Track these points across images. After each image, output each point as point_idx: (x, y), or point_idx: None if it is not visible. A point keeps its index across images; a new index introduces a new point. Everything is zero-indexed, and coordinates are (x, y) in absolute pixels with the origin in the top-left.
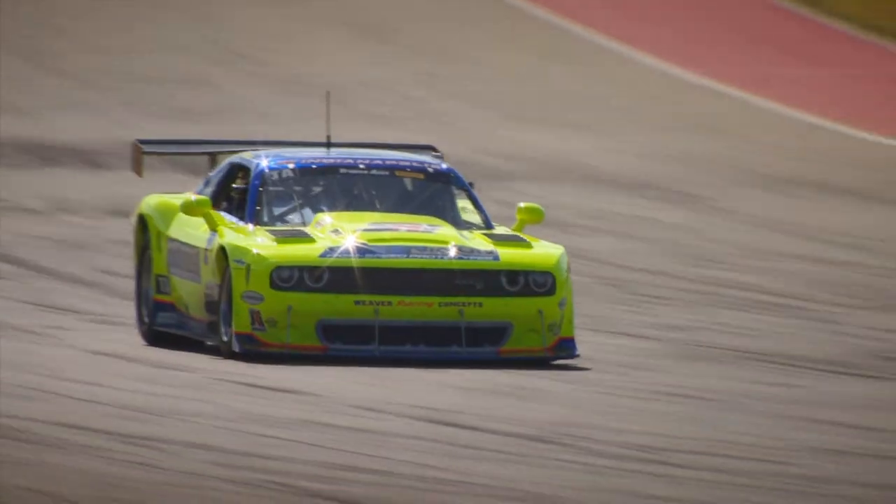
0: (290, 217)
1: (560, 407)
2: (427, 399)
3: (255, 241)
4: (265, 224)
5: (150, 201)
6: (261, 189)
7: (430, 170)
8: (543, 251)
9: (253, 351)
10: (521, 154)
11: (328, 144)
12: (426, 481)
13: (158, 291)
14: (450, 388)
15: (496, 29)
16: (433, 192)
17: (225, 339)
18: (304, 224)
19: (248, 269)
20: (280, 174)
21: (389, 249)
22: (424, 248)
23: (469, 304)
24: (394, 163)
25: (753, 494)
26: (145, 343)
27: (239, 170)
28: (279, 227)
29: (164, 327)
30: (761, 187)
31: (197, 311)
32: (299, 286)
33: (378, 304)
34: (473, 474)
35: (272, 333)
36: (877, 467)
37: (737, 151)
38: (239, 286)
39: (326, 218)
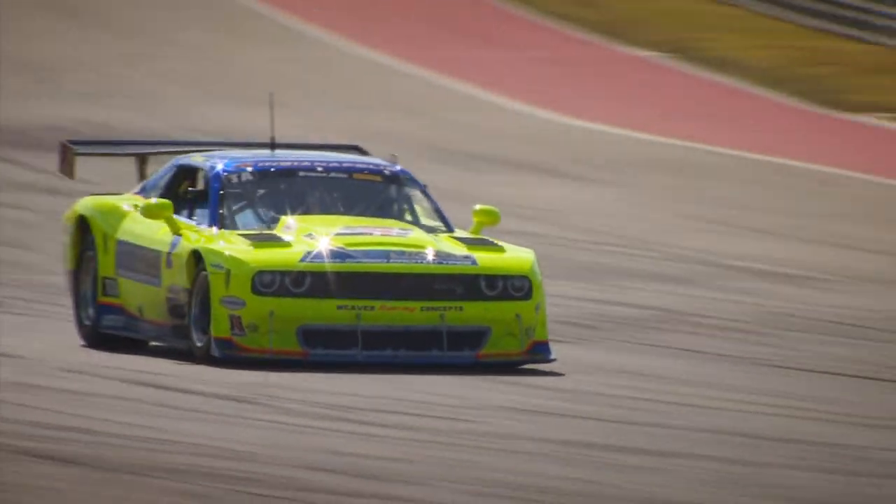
0: (251, 221)
1: (258, 367)
2: (135, 364)
3: (232, 245)
4: (228, 228)
5: (91, 203)
6: (221, 192)
7: (387, 172)
8: (518, 255)
9: (232, 356)
10: (218, 131)
11: (272, 146)
12: (134, 440)
13: (104, 294)
14: (159, 353)
15: (196, 12)
16: (390, 194)
17: (199, 343)
18: (268, 228)
19: (227, 273)
20: (239, 177)
21: (368, 254)
22: (403, 253)
23: (450, 308)
24: (350, 165)
25: (447, 451)
26: (84, 343)
27: (187, 172)
28: (250, 230)
29: (111, 329)
30: (451, 163)
31: (153, 315)
32: (281, 291)
33: (360, 308)
34: (177, 433)
35: (252, 338)
36: (560, 423)
37: (426, 130)
38: (217, 291)
39: (292, 221)
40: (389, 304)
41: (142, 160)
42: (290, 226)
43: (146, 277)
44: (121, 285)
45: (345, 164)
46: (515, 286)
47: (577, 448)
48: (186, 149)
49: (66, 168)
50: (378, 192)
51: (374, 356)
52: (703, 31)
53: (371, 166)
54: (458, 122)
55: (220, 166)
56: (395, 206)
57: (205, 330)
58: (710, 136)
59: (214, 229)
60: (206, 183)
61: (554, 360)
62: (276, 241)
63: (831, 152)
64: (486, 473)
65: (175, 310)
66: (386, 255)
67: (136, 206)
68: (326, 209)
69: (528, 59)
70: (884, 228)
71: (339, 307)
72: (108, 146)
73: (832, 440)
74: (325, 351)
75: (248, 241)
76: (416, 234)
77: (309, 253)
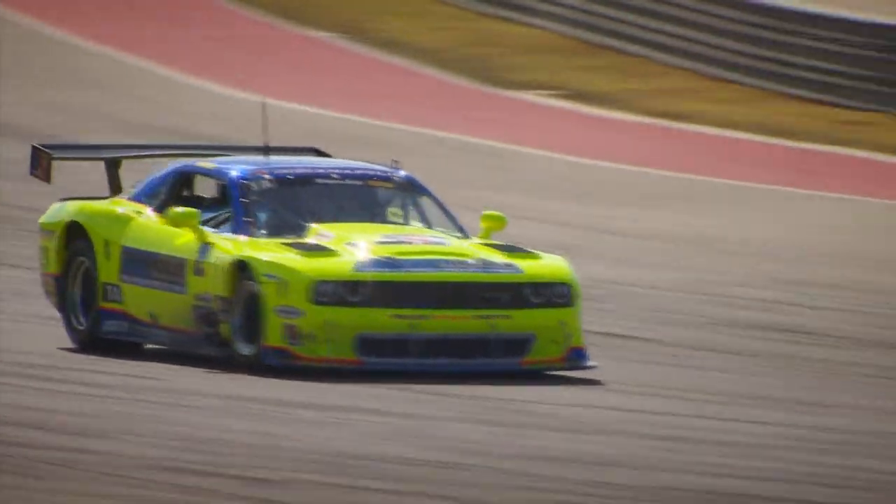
0: (277, 229)
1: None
2: None
3: (279, 255)
4: (254, 237)
5: (85, 208)
6: (244, 200)
7: (397, 179)
8: (555, 262)
9: (287, 364)
10: None
11: (266, 150)
12: None
13: (105, 299)
14: None
15: None
16: (405, 200)
17: (246, 352)
18: (298, 236)
19: (283, 283)
20: (259, 184)
21: (417, 263)
22: (450, 262)
23: (499, 316)
24: (363, 172)
25: (133, 406)
26: (76, 347)
27: (188, 178)
28: (284, 239)
29: (112, 335)
30: (134, 136)
31: (171, 321)
32: (338, 301)
33: (414, 317)
34: None
35: (309, 348)
36: (249, 383)
37: (110, 104)
38: (271, 301)
39: (325, 230)
40: (442, 312)
41: (116, 164)
42: (325, 234)
43: (165, 284)
44: (125, 291)
45: (358, 172)
46: (558, 293)
47: (261, 404)
48: (166, 153)
49: (41, 173)
50: (393, 199)
51: (428, 365)
52: (375, 14)
53: (380, 173)
54: (142, 97)
55: (234, 173)
56: (412, 213)
57: (250, 339)
58: (387, 113)
59: (242, 237)
60: (222, 190)
61: (593, 366)
62: (323, 251)
63: (496, 128)
64: (171, 427)
65: (206, 318)
66: (435, 265)
67: (138, 213)
68: (350, 217)
69: (208, 39)
70: (536, 196)
71: (394, 316)
72: (84, 150)
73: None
74: (378, 359)
75: (294, 251)
76: (454, 243)
77: (361, 262)
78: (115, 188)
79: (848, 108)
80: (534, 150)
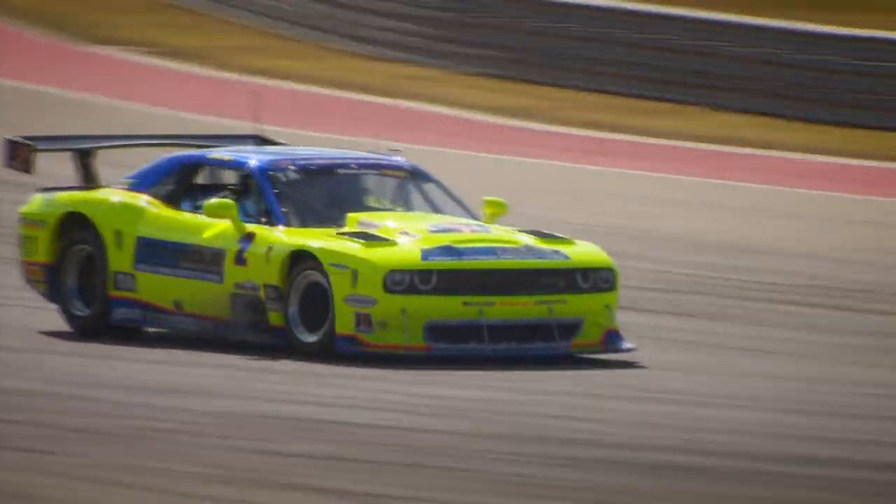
0: (313, 218)
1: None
2: None
3: (346, 245)
4: (294, 226)
5: (87, 199)
6: (276, 191)
7: (406, 167)
8: (592, 248)
9: (358, 351)
10: None
11: (262, 140)
12: None
13: (116, 288)
14: None
15: None
16: (420, 188)
17: (308, 339)
18: (337, 225)
19: (353, 273)
20: (287, 175)
21: (477, 251)
22: (506, 249)
23: (556, 301)
24: (376, 162)
25: None
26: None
27: (195, 169)
28: (336, 228)
29: (124, 322)
30: None
31: (202, 309)
32: (409, 289)
33: (482, 304)
34: None
35: (379, 335)
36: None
37: None
38: (341, 290)
39: (368, 220)
40: (506, 298)
41: (90, 155)
42: (370, 224)
43: (195, 273)
44: (140, 280)
45: (371, 161)
46: (603, 278)
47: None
48: (149, 143)
49: (20, 164)
50: (411, 187)
51: (494, 350)
52: None
53: (392, 162)
54: None
55: (253, 163)
56: (430, 200)
57: (311, 327)
58: None
59: (280, 227)
60: (246, 181)
61: (633, 348)
62: (382, 241)
63: (89, 82)
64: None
65: (250, 305)
66: (493, 252)
67: (150, 204)
68: (378, 205)
69: None
70: None
71: (465, 303)
72: (67, 141)
73: None
74: (447, 345)
75: (354, 240)
76: (496, 230)
77: (426, 251)
78: (90, 179)
79: (408, 63)
80: (126, 103)
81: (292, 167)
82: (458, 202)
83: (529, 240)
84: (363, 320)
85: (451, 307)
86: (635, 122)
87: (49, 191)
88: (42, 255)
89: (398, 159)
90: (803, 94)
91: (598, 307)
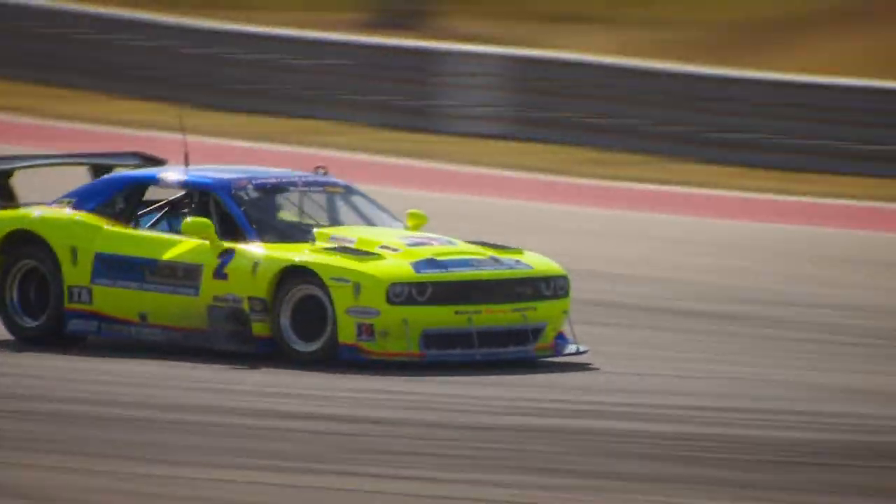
0: (278, 235)
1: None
2: None
3: (339, 259)
4: (266, 241)
5: (40, 218)
6: (242, 208)
7: (341, 184)
8: (542, 258)
9: (359, 359)
10: None
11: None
12: None
13: (71, 301)
14: None
15: None
16: (356, 203)
17: (303, 349)
18: (306, 240)
19: (356, 286)
20: (247, 194)
21: (456, 263)
22: (480, 261)
23: (528, 308)
24: (314, 180)
25: None
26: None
27: (144, 188)
28: (314, 244)
29: (78, 333)
30: None
31: (172, 321)
32: (408, 300)
33: (471, 313)
34: None
35: (380, 344)
36: None
37: None
38: (343, 302)
39: (338, 235)
40: (488, 307)
41: (9, 175)
42: (343, 239)
43: (165, 287)
44: (97, 293)
45: (311, 179)
46: (560, 285)
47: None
48: (61, 162)
49: None
50: (352, 203)
51: (479, 354)
52: None
53: (331, 180)
54: None
55: (214, 182)
56: (370, 215)
57: (306, 337)
58: None
59: (255, 244)
60: (203, 199)
61: (585, 351)
62: (369, 255)
63: None
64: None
65: (232, 317)
66: (470, 264)
67: (104, 221)
68: (333, 221)
69: None
70: None
71: (456, 313)
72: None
73: None
74: (439, 351)
75: (343, 255)
76: (459, 243)
77: (416, 264)
78: (9, 197)
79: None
80: None
81: (251, 185)
82: (388, 214)
83: (489, 252)
84: (365, 330)
85: (444, 316)
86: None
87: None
88: None
89: (331, 176)
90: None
91: (557, 313)
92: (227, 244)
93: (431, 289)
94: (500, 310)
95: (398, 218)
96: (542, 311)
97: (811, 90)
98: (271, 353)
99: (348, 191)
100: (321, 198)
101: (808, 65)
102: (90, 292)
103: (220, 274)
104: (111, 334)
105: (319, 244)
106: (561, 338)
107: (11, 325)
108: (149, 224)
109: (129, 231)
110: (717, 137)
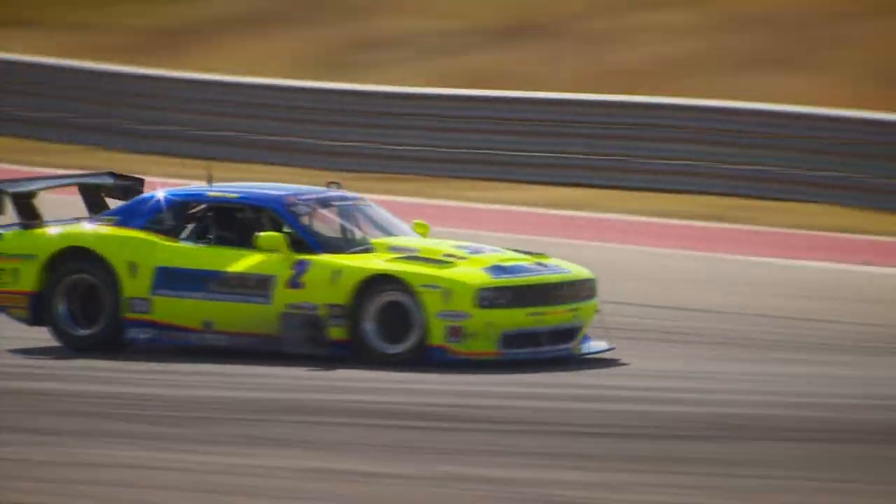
0: (339, 245)
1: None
2: None
3: (424, 268)
4: (332, 252)
5: (94, 235)
6: (303, 223)
7: (361, 198)
8: (569, 262)
9: (447, 360)
10: None
11: (209, 180)
12: None
13: (130, 311)
14: None
15: None
16: (380, 214)
17: (390, 351)
18: (366, 250)
19: (446, 292)
20: (299, 209)
21: (517, 269)
22: (534, 267)
23: (578, 308)
24: (342, 195)
25: None
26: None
27: (191, 206)
28: (377, 253)
29: (138, 341)
30: None
31: (240, 327)
32: (493, 304)
33: (540, 314)
34: None
35: (466, 345)
36: None
37: None
38: (434, 307)
39: (398, 244)
40: (551, 308)
41: (32, 196)
42: (402, 248)
43: (233, 297)
44: (157, 304)
45: (341, 195)
46: (591, 287)
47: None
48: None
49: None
50: (377, 214)
51: (545, 352)
52: None
53: (355, 195)
54: None
55: (271, 199)
56: (393, 223)
57: (391, 340)
58: None
59: (324, 255)
60: (258, 214)
61: (612, 348)
62: (447, 263)
63: None
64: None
65: (309, 323)
66: (527, 270)
67: (157, 237)
68: (381, 232)
69: None
70: None
71: (529, 314)
72: (34, 182)
73: None
74: (514, 350)
75: (428, 264)
76: (503, 250)
77: (491, 270)
78: (32, 216)
79: None
80: None
81: (299, 201)
82: (403, 223)
83: (531, 258)
84: (454, 332)
85: (520, 318)
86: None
87: (21, 228)
88: (27, 284)
89: (353, 193)
90: None
91: (590, 312)
92: (298, 256)
93: (510, 293)
94: (559, 311)
95: (409, 227)
96: (582, 311)
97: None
98: (346, 356)
99: (367, 204)
100: (360, 210)
101: (227, 65)
102: (149, 303)
103: (295, 283)
104: (169, 341)
105: (383, 254)
106: (586, 337)
107: (62, 335)
108: (183, 238)
109: (181, 246)
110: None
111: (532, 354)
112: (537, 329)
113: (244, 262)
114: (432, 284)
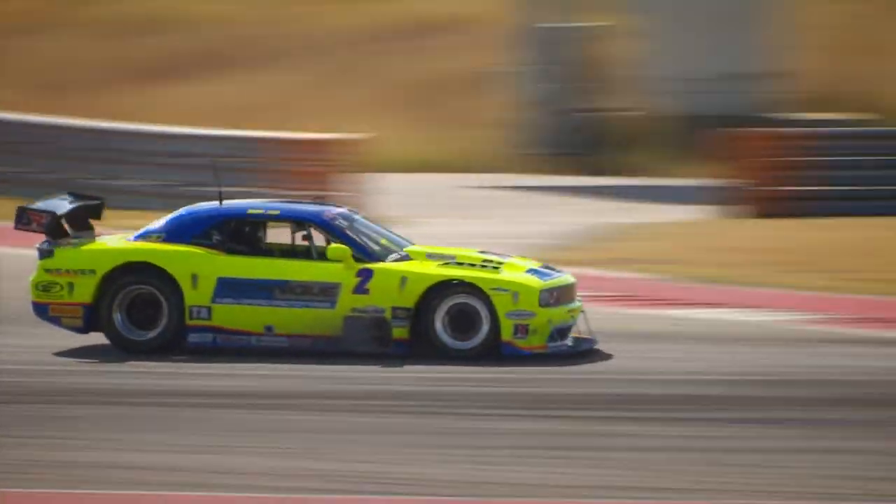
0: (380, 254)
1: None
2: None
3: (489, 273)
4: (381, 260)
5: (155, 251)
6: (349, 234)
7: (354, 209)
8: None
9: (514, 353)
10: None
11: (220, 199)
12: None
13: (191, 318)
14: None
15: None
16: (375, 224)
17: (456, 346)
18: (404, 259)
19: (514, 294)
20: (337, 221)
21: (548, 272)
22: (548, 270)
23: (581, 306)
24: (351, 210)
25: None
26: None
27: (233, 222)
28: (435, 261)
29: (196, 344)
30: None
31: (302, 330)
32: (549, 304)
33: (571, 311)
34: None
35: (528, 340)
36: None
37: None
38: (504, 307)
39: (432, 251)
40: (572, 307)
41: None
42: (439, 255)
43: (300, 303)
44: (220, 311)
45: (350, 210)
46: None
47: None
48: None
49: (37, 228)
50: (374, 224)
51: (564, 346)
52: None
53: (352, 207)
54: None
55: (314, 213)
56: (389, 231)
57: (459, 338)
58: None
59: (377, 263)
60: (301, 228)
61: (593, 341)
62: (494, 268)
63: None
64: None
65: (374, 325)
66: (553, 273)
67: (219, 251)
68: (390, 242)
69: None
70: None
71: (567, 311)
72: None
73: None
74: (554, 344)
75: (487, 270)
76: (514, 256)
77: (535, 273)
78: (62, 234)
79: None
80: None
81: (334, 213)
82: (393, 233)
83: (535, 262)
84: (521, 329)
85: (563, 315)
86: None
87: (72, 243)
88: (85, 296)
89: (334, 204)
90: None
91: (579, 311)
92: (360, 265)
93: (557, 293)
94: (576, 309)
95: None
96: (576, 310)
97: None
98: (406, 354)
99: (362, 217)
100: (369, 223)
101: None
102: (210, 310)
103: (361, 290)
104: (228, 344)
105: (426, 261)
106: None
107: (121, 340)
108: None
109: (238, 258)
110: None
111: (557, 349)
112: (569, 324)
113: (306, 272)
114: (501, 288)
